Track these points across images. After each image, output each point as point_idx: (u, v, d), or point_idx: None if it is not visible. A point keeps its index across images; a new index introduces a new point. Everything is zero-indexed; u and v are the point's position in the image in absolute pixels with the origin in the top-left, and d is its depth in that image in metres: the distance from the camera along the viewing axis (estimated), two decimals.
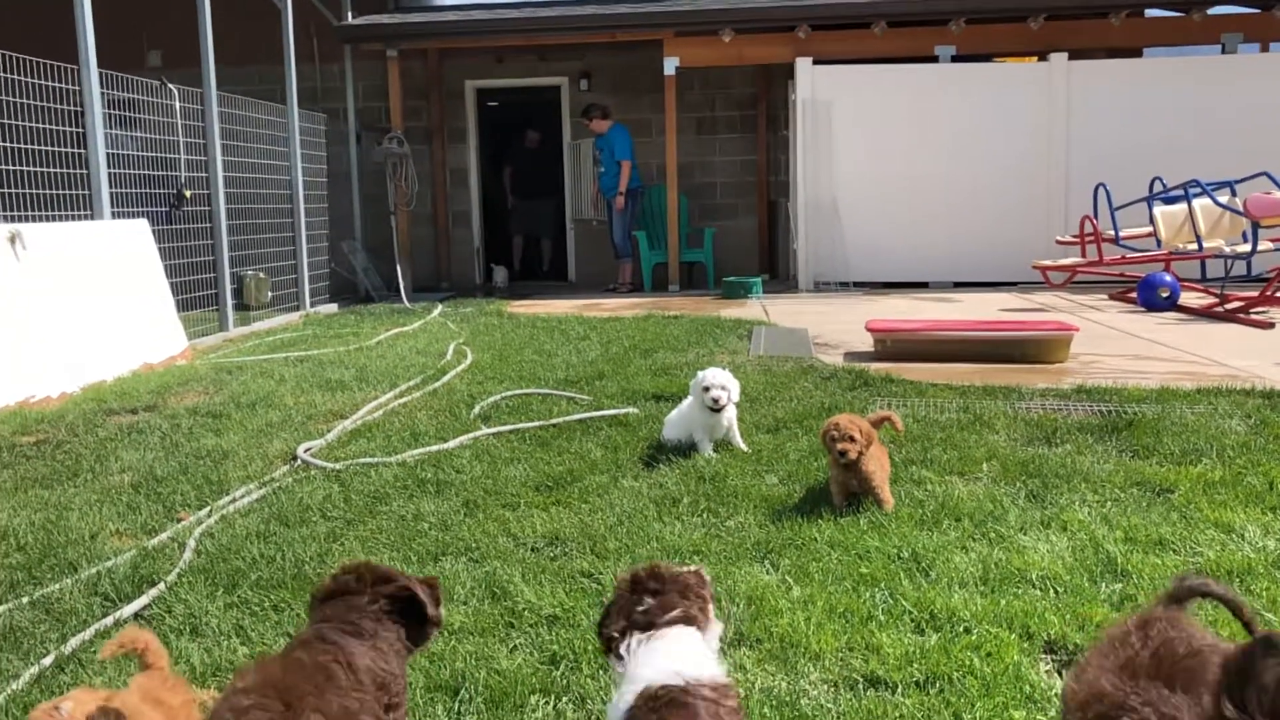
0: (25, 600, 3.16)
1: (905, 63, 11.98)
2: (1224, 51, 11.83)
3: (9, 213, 7.00)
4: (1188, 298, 9.38)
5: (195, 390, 6.35)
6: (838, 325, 8.55)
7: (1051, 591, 3.03)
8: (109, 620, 3.01)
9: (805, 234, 12.14)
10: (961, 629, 2.79)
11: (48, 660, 2.76)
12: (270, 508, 4.01)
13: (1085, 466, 4.18)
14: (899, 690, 2.50)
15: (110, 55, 7.74)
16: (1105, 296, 10.35)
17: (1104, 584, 3.06)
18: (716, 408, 4.54)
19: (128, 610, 3.08)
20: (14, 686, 2.63)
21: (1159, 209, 10.16)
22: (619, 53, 13.42)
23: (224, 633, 2.92)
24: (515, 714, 2.46)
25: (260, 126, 10.22)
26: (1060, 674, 2.59)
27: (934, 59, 11.98)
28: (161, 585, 3.25)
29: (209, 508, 4.05)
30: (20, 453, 4.92)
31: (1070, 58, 11.71)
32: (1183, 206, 9.97)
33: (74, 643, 2.86)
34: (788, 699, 2.48)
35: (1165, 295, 9.15)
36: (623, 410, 5.39)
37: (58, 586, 3.26)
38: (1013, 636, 2.73)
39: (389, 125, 13.04)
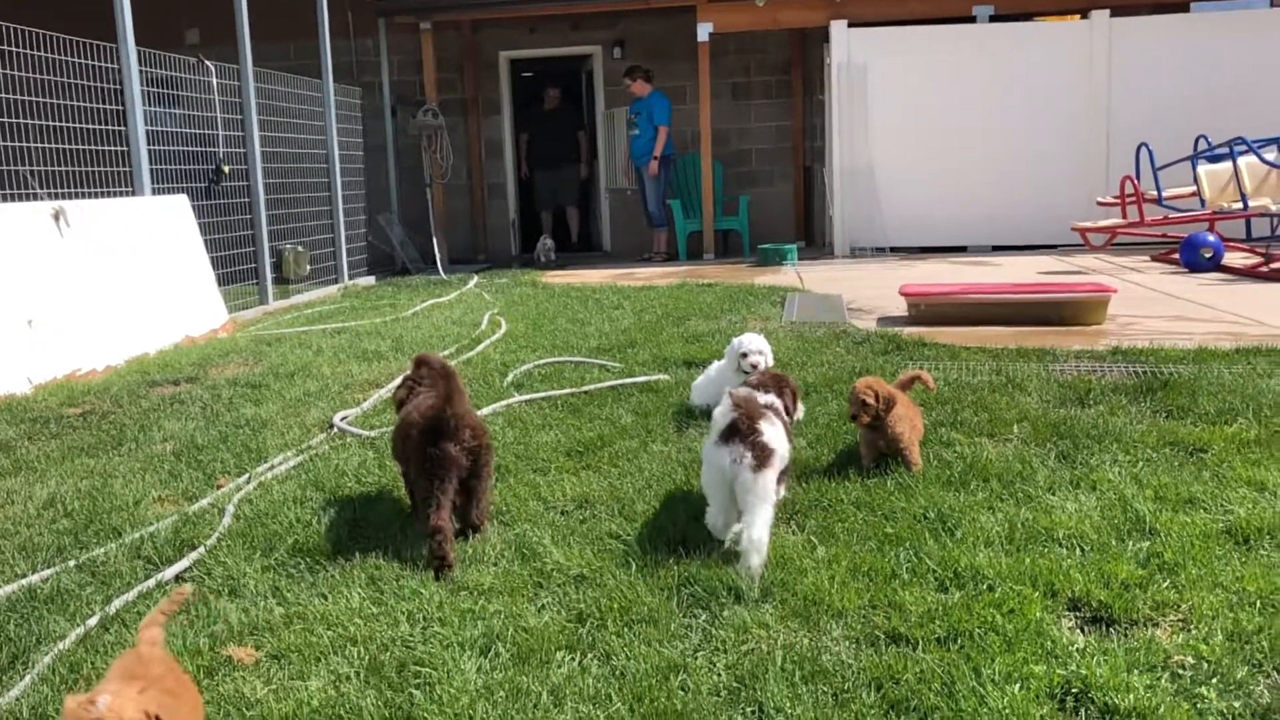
0: (72, 564, 3.27)
1: (942, 24, 11.80)
2: (1273, 4, 11.52)
3: (52, 190, 7.15)
4: (1232, 258, 9.20)
5: (235, 362, 6.48)
6: (872, 291, 8.50)
7: (1077, 550, 3.03)
8: (151, 582, 3.11)
9: (841, 200, 12.04)
10: (985, 587, 2.81)
11: (93, 621, 2.86)
12: (307, 474, 4.10)
13: (1118, 427, 4.15)
14: (920, 646, 2.53)
15: (148, 33, 7.85)
16: (1147, 258, 10.19)
17: (1131, 542, 3.05)
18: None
19: (169, 573, 3.17)
20: (61, 646, 2.73)
21: (1203, 168, 9.95)
22: (652, 19, 13.34)
23: (261, 593, 3.00)
24: (542, 669, 2.52)
25: (297, 101, 10.30)
26: (1083, 630, 2.60)
27: (972, 19, 11.78)
28: (202, 549, 3.35)
29: (248, 475, 4.14)
30: (67, 423, 5.06)
31: (1112, 14, 11.45)
32: (1227, 165, 9.75)
33: (118, 603, 2.96)
34: (809, 654, 2.51)
35: (1208, 256, 8.99)
36: (654, 377, 5.42)
37: (102, 550, 3.37)
38: (1036, 594, 2.74)
39: (424, 98, 13.08)
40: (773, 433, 3.18)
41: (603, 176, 14.27)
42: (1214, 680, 2.32)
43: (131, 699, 1.89)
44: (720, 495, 3.15)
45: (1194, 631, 2.54)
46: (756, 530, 2.97)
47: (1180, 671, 2.37)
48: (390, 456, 4.25)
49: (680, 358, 5.84)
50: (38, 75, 6.86)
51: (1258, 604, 2.65)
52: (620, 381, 5.35)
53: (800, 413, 3.85)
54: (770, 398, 3.48)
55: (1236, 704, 2.24)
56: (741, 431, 3.10)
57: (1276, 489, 3.39)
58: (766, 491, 3.04)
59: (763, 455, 3.06)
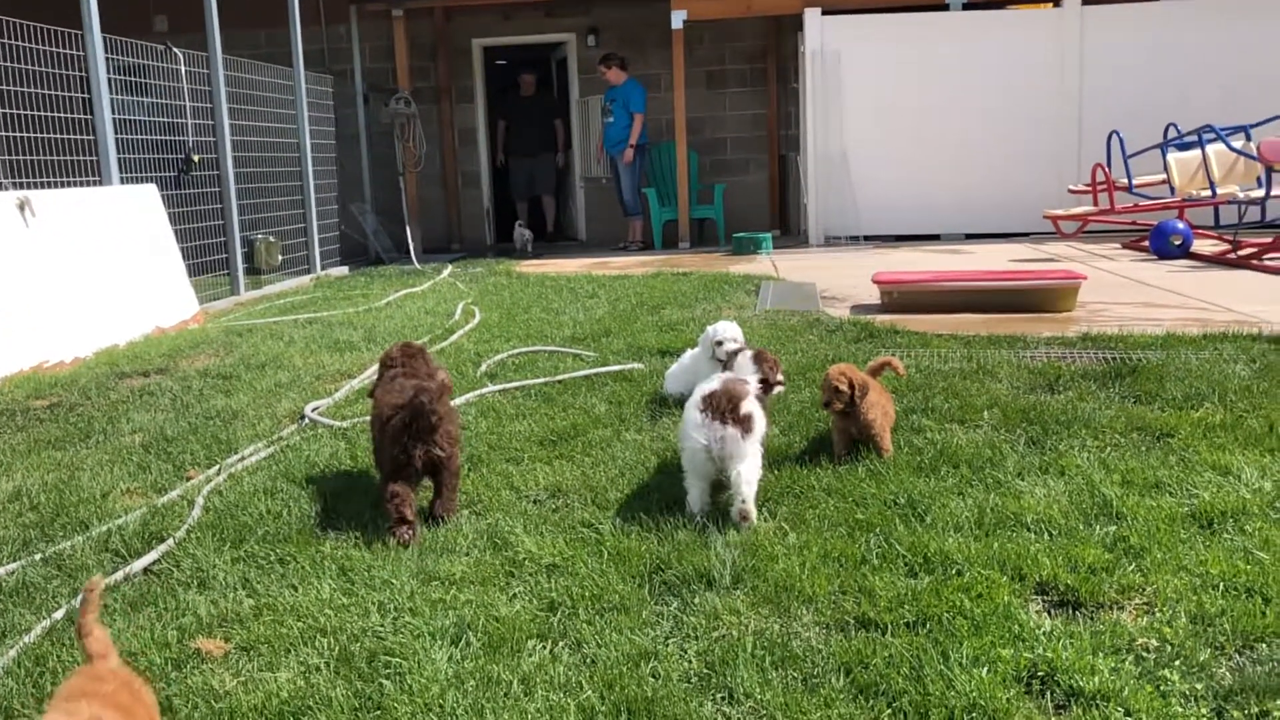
0: (38, 557, 3.24)
1: (915, 11, 11.82)
2: None
3: (17, 180, 7.05)
4: (1201, 245, 9.29)
5: (206, 353, 6.42)
6: (846, 279, 8.53)
7: (1045, 534, 3.06)
8: (119, 575, 3.08)
9: (815, 188, 12.06)
10: (954, 572, 2.83)
11: (58, 614, 2.83)
12: (278, 465, 4.08)
13: (1086, 413, 4.19)
14: (889, 631, 2.54)
15: (116, 20, 7.73)
16: (1118, 245, 10.27)
17: (1098, 526, 3.08)
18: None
19: (137, 565, 3.14)
20: (27, 639, 2.70)
21: (1172, 155, 10.03)
22: (626, 6, 13.29)
23: (230, 585, 2.98)
24: (513, 658, 2.52)
25: (267, 90, 10.19)
26: (1050, 614, 2.62)
27: (945, 7, 11.80)
28: (170, 541, 3.32)
29: (218, 466, 4.11)
30: (34, 416, 5.00)
31: (1085, 2, 11.50)
32: (1196, 153, 9.84)
33: None
34: (779, 640, 2.53)
35: (1178, 243, 9.06)
36: (628, 366, 5.41)
37: (69, 544, 3.34)
38: (1004, 578, 2.77)
39: (396, 86, 12.99)
40: (751, 404, 3.37)
41: (578, 165, 14.22)
42: (1177, 663, 2.35)
43: None
44: (698, 467, 3.31)
45: (1158, 615, 2.57)
46: (746, 474, 3.21)
47: (1144, 654, 2.39)
48: (362, 447, 4.24)
49: (655, 346, 5.84)
50: (0, 63, 6.75)
51: (1220, 587, 2.68)
52: (594, 370, 5.35)
53: (782, 379, 4.20)
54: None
55: (1199, 686, 2.27)
56: (719, 399, 3.31)
57: (1240, 473, 3.43)
58: (747, 450, 3.25)
59: (745, 423, 3.27)
